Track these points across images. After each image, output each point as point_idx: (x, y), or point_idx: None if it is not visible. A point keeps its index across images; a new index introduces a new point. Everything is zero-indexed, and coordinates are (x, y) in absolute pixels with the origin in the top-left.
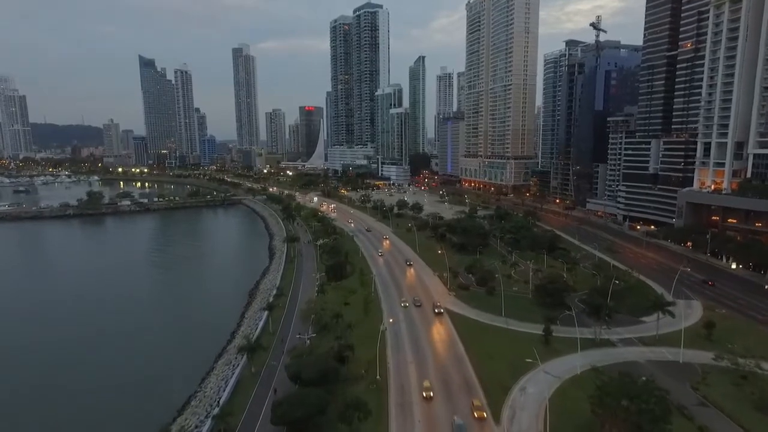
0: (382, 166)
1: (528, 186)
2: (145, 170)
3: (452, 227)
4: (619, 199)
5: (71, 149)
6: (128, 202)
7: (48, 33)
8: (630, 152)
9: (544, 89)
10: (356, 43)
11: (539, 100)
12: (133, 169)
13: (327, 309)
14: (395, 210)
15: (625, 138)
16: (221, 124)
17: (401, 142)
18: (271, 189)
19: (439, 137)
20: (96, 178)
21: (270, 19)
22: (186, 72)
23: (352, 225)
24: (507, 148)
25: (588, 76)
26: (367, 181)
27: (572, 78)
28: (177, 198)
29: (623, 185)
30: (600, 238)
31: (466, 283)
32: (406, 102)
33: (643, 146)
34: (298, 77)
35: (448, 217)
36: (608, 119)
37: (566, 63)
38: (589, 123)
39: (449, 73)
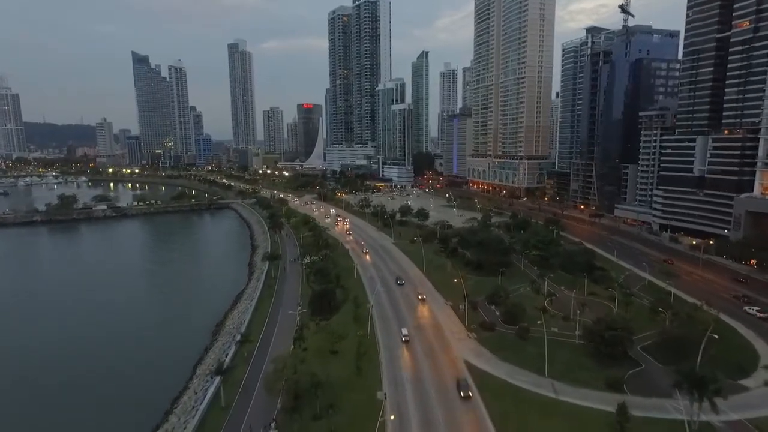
0: (383, 167)
1: (543, 188)
2: (137, 170)
3: (465, 240)
4: (654, 206)
5: (66, 149)
6: (104, 207)
7: (48, 33)
8: (668, 151)
9: (562, 82)
10: (356, 36)
11: (555, 93)
12: (123, 170)
13: (304, 369)
14: (398, 216)
15: (662, 135)
16: (219, 124)
17: (404, 140)
18: (264, 191)
19: (444, 136)
20: (84, 179)
21: (270, 18)
22: (180, 69)
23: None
24: (520, 146)
25: (616, 65)
26: (367, 182)
27: (596, 68)
28: (159, 202)
29: (660, 189)
30: (639, 253)
31: (489, 320)
32: (408, 99)
33: (686, 144)
34: (299, 78)
35: (458, 225)
36: (640, 114)
37: (589, 52)
38: (616, 118)
39: (453, 70)
